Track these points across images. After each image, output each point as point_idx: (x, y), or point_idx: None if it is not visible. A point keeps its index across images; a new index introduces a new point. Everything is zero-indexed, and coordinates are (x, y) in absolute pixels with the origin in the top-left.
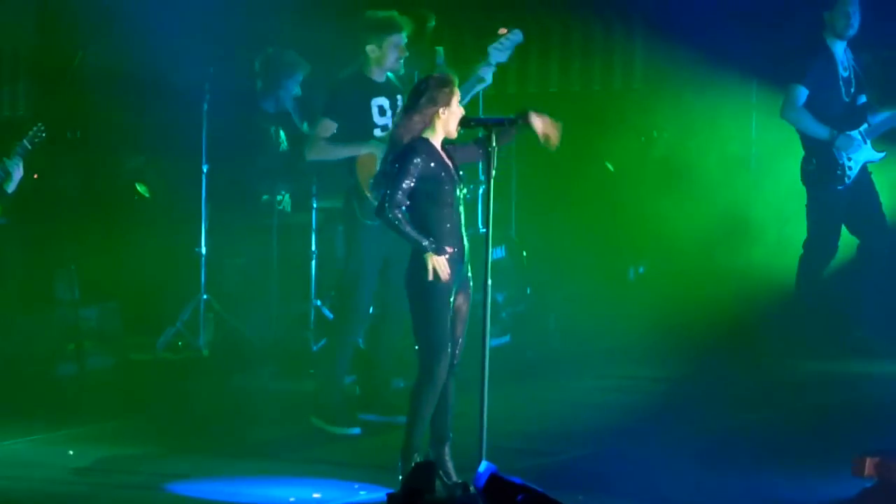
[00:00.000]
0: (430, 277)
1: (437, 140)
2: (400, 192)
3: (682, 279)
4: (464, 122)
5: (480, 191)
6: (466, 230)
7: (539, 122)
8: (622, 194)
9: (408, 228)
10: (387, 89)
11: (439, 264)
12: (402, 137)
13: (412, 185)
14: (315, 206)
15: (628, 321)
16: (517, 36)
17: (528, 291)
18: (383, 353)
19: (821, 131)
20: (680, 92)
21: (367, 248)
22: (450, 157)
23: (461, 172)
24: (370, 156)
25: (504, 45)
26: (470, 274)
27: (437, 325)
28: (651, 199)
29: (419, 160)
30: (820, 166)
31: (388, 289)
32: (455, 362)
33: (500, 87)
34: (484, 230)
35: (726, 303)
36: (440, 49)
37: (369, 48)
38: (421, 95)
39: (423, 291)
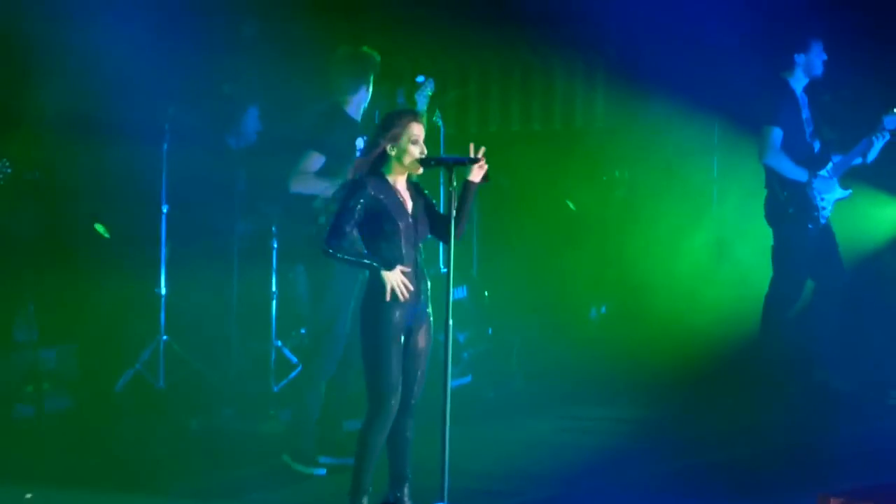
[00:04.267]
0: (388, 297)
1: (396, 177)
2: (337, 225)
3: (645, 319)
4: (424, 162)
5: None
6: (427, 269)
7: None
8: (584, 233)
9: (349, 256)
10: (360, 128)
11: (395, 279)
12: (352, 174)
13: (356, 217)
14: (275, 245)
15: (591, 361)
16: (428, 86)
17: (490, 331)
18: (338, 392)
19: (800, 173)
20: (642, 131)
21: (341, 286)
22: (413, 197)
23: (428, 200)
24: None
25: (421, 93)
26: (430, 310)
27: (387, 362)
28: (613, 239)
29: (362, 194)
30: (797, 207)
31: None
32: (414, 401)
33: (461, 126)
34: (445, 270)
35: (689, 344)
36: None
37: (353, 84)
38: (371, 138)
39: (375, 324)
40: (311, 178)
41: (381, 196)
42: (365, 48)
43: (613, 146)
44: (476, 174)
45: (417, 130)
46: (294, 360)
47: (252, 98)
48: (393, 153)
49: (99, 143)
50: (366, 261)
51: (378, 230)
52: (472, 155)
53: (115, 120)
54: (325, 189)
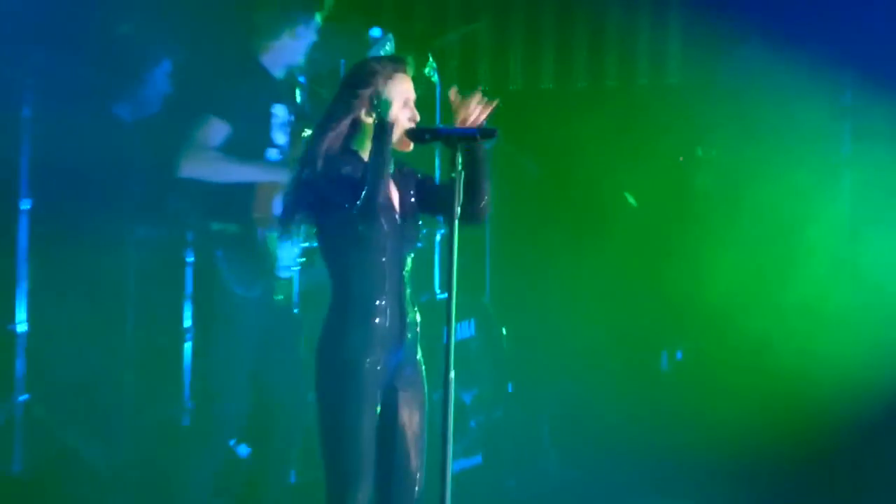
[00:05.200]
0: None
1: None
2: (299, 200)
3: (740, 370)
4: (415, 135)
5: (438, 237)
6: (417, 296)
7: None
8: (649, 242)
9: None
10: (284, 92)
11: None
12: (316, 156)
13: (316, 195)
14: (191, 260)
15: (659, 433)
16: (384, 43)
17: (510, 389)
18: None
19: None
20: (735, 90)
21: (235, 330)
22: (400, 187)
23: (421, 176)
24: (271, 188)
25: (379, 51)
26: (420, 356)
27: (353, 439)
28: (693, 250)
29: (335, 169)
30: None
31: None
32: None
33: (467, 82)
34: (444, 296)
35: (808, 408)
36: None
37: (274, 26)
38: (336, 99)
39: (335, 377)
40: (211, 157)
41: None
42: None
43: (693, 112)
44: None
45: (406, 87)
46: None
47: (162, 46)
48: (369, 121)
49: None
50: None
51: (347, 234)
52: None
53: None
54: (230, 174)
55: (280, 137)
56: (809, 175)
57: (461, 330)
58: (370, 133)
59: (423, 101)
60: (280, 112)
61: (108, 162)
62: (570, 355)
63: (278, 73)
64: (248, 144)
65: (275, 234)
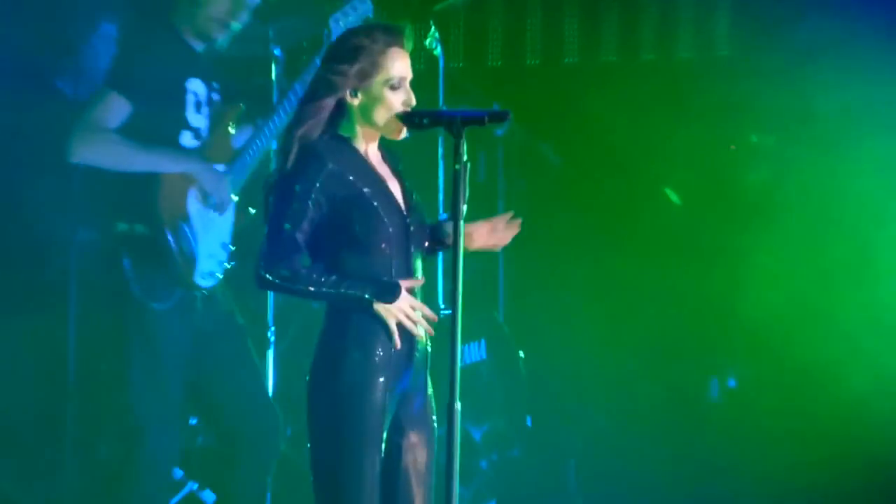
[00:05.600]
0: (398, 345)
1: (362, 141)
2: (277, 231)
3: (805, 401)
4: (410, 120)
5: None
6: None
7: (483, 234)
8: (695, 247)
9: (311, 284)
10: (205, 67)
11: (404, 310)
12: (294, 138)
13: (309, 214)
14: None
15: (704, 478)
16: (361, 7)
17: (529, 423)
18: None
19: None
20: (798, 66)
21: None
22: (393, 171)
23: (415, 196)
24: (183, 180)
25: (348, 13)
26: (430, 391)
27: (357, 481)
28: (747, 257)
29: (320, 172)
30: None
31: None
32: None
33: (475, 55)
34: (448, 311)
35: (889, 450)
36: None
37: None
38: (317, 76)
39: (332, 409)
40: (109, 140)
41: (350, 175)
42: None
43: (746, 91)
44: (488, 235)
45: (400, 65)
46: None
47: (98, 9)
48: (356, 103)
49: None
50: (346, 289)
51: (348, 237)
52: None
53: None
54: (133, 161)
55: (197, 119)
56: (884, 170)
57: (469, 352)
58: (359, 118)
59: (424, 79)
60: (198, 88)
61: (45, 147)
62: (599, 383)
63: (197, 43)
64: (157, 126)
65: (188, 234)
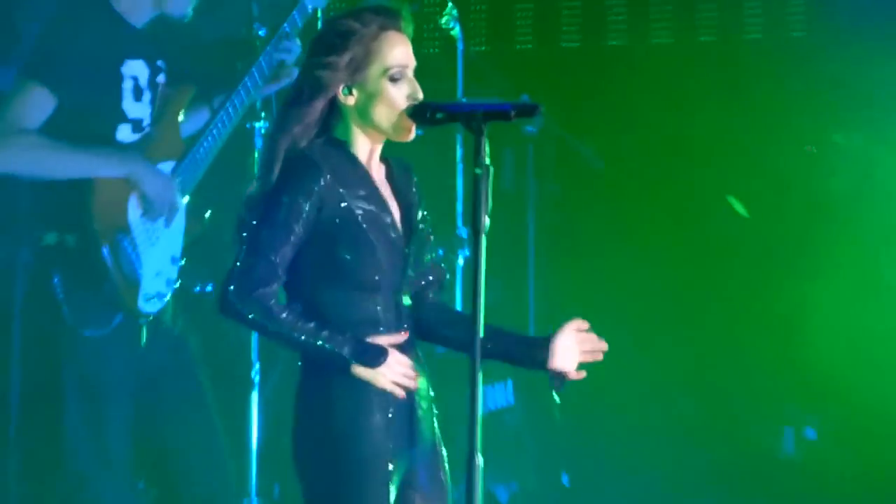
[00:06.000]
0: (378, 418)
1: (362, 146)
2: (265, 260)
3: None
4: (418, 113)
5: (461, 261)
6: (430, 349)
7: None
8: (765, 267)
9: (282, 326)
10: (146, 45)
11: (395, 375)
12: (278, 145)
13: (293, 238)
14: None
15: None
16: None
17: (566, 481)
18: None
19: None
20: (889, 52)
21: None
22: (400, 188)
23: (424, 213)
24: (120, 185)
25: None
26: (437, 430)
27: None
28: (829, 279)
29: (315, 181)
30: None
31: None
32: None
33: (501, 35)
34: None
35: None
36: None
37: None
38: (302, 73)
39: (324, 468)
40: (29, 145)
41: (341, 188)
42: None
43: (826, 80)
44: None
45: (399, 51)
46: None
47: None
48: (351, 102)
49: None
50: (324, 342)
51: (333, 269)
52: None
53: None
54: (59, 165)
55: (136, 109)
56: None
57: (493, 396)
58: (356, 119)
59: (439, 65)
60: (138, 71)
61: None
62: (650, 433)
63: (135, 16)
64: (88, 121)
65: (128, 250)
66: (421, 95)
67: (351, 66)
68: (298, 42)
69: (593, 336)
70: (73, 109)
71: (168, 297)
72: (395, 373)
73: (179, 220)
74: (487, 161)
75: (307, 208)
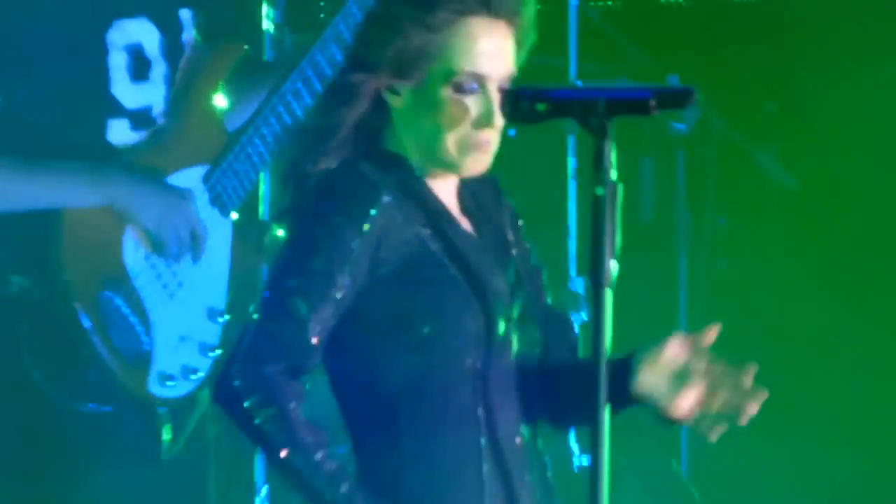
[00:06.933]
0: None
1: (422, 163)
2: (293, 315)
3: None
4: (511, 105)
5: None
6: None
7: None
8: None
9: (306, 443)
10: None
11: None
12: (308, 167)
13: (346, 289)
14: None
15: None
16: None
17: None
18: None
19: None
20: None
21: None
22: (489, 215)
23: (528, 247)
24: (105, 217)
25: None
26: None
27: None
28: None
29: (374, 202)
30: None
31: None
32: None
33: None
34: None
35: None
36: None
37: None
38: (346, 56)
39: None
40: None
41: (407, 230)
42: None
43: None
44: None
45: (485, 46)
46: None
47: None
48: (398, 103)
49: None
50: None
51: (391, 337)
52: None
53: None
54: (13, 198)
55: (137, 94)
56: None
57: None
58: (410, 120)
59: (543, 27)
60: (138, 35)
61: None
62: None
63: None
64: (56, 120)
65: (121, 309)
66: (500, 123)
67: (397, 62)
68: None
69: (742, 374)
70: (30, 107)
71: (203, 374)
72: None
73: (221, 252)
74: (614, 176)
75: (360, 242)
